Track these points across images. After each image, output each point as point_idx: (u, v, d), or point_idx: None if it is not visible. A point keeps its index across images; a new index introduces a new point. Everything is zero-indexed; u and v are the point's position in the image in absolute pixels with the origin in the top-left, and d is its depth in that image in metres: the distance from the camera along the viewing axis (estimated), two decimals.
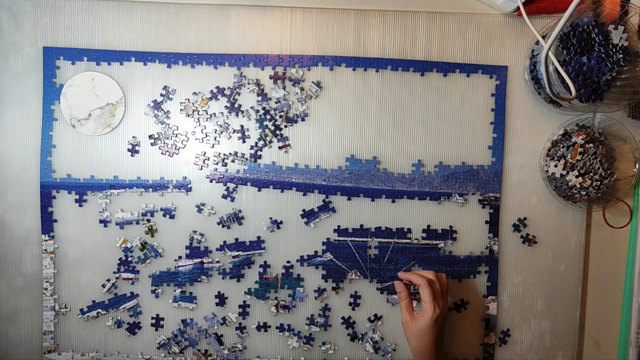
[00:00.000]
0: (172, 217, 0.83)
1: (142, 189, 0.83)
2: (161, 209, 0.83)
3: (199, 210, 0.83)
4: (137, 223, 0.83)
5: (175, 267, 0.84)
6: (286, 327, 0.85)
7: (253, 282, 0.84)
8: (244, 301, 0.84)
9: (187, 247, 0.83)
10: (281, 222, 0.84)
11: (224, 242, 0.84)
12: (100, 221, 0.82)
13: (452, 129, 0.85)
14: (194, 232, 0.83)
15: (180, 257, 0.84)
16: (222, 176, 0.84)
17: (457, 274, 0.86)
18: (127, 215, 0.83)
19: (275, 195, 0.84)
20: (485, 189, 0.85)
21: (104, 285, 0.83)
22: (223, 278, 0.84)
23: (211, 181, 0.83)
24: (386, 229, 0.85)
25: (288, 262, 0.84)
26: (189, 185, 0.83)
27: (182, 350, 0.84)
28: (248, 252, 0.84)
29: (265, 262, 0.84)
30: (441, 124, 0.85)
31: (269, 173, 0.84)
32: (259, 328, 0.85)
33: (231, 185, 0.83)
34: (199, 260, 0.84)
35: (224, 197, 0.83)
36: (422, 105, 0.84)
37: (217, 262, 0.84)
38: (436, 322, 0.75)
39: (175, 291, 0.84)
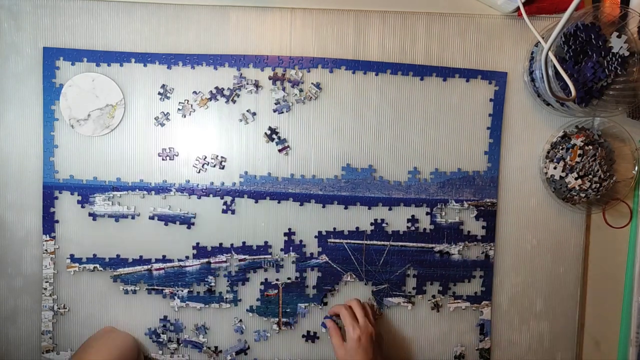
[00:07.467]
0: (189, 226, 0.83)
1: (145, 192, 0.83)
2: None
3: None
4: (133, 218, 0.83)
5: (182, 266, 0.83)
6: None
7: (255, 299, 0.85)
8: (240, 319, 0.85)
9: (193, 247, 0.84)
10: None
11: (231, 245, 0.84)
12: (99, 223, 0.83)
13: (449, 134, 0.85)
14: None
15: (187, 257, 0.84)
16: (218, 189, 0.83)
17: (451, 278, 0.86)
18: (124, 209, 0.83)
19: (272, 207, 0.84)
20: (482, 194, 0.85)
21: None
22: (228, 280, 0.84)
23: (207, 195, 0.83)
24: (382, 231, 0.85)
25: (288, 278, 0.84)
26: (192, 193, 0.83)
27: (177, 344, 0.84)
28: (255, 257, 0.84)
29: (266, 279, 0.84)
30: (438, 130, 0.84)
31: (265, 184, 0.84)
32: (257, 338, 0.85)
33: (228, 199, 0.83)
34: (205, 260, 0.84)
35: (224, 211, 0.83)
36: (420, 110, 0.84)
37: (225, 262, 0.84)
38: (359, 341, 0.75)
39: (182, 291, 0.84)
